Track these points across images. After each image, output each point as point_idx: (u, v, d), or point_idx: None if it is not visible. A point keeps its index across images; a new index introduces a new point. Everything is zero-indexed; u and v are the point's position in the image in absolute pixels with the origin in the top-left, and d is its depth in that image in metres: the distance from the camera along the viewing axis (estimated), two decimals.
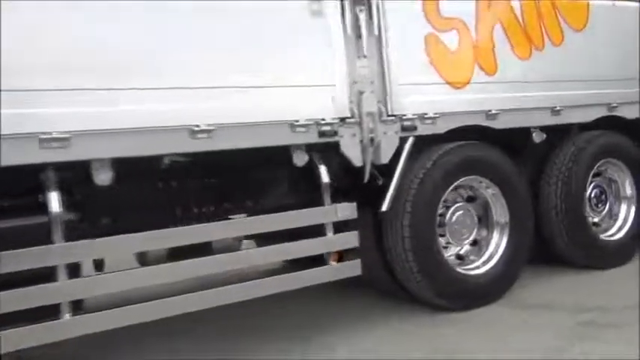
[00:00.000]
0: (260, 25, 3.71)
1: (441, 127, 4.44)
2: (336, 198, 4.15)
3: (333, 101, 3.94)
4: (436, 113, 4.38)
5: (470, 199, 4.84)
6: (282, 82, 3.75)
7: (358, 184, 4.27)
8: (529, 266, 5.17)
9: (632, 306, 4.22)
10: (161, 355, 4.11)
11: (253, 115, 3.66)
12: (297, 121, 3.80)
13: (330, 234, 3.98)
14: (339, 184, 4.25)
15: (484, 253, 4.80)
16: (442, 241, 4.67)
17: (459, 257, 4.80)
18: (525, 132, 5.04)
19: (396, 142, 4.23)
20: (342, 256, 4.08)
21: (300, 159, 3.94)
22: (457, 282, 4.50)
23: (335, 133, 3.96)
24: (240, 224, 3.83)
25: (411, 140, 4.31)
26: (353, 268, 4.04)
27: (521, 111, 4.85)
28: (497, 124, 4.72)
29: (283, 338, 4.20)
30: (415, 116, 4.30)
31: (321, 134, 3.91)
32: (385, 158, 4.19)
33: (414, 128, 4.31)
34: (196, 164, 3.80)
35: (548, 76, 5.00)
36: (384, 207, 4.21)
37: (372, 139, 4.10)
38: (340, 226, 4.08)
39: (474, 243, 4.84)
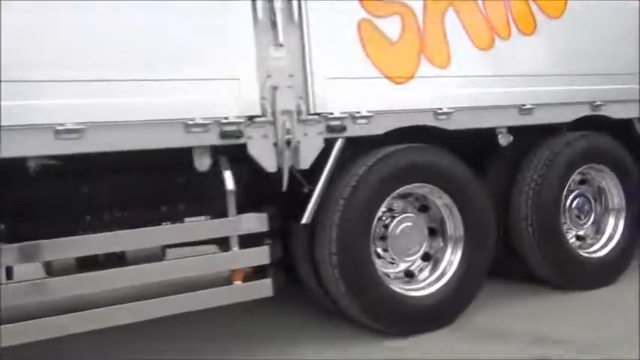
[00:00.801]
0: (146, 7, 3.20)
1: (378, 128, 3.88)
2: (260, 207, 3.71)
3: (238, 97, 3.43)
4: (370, 112, 3.82)
5: (423, 209, 4.28)
6: (173, 75, 3.25)
7: (285, 192, 3.78)
8: (497, 284, 4.64)
9: (604, 342, 3.61)
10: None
11: (136, 112, 3.17)
12: (192, 119, 3.31)
13: (235, 248, 3.49)
14: (258, 192, 3.79)
15: (437, 269, 4.24)
16: (387, 256, 4.15)
17: (409, 274, 4.25)
18: (491, 134, 4.44)
19: (319, 145, 3.70)
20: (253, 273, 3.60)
21: (201, 163, 3.44)
22: (396, 304, 3.94)
23: (241, 134, 3.45)
24: (120, 237, 3.32)
25: (339, 143, 3.77)
26: (261, 288, 3.54)
27: (480, 109, 4.24)
28: (450, 125, 4.12)
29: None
30: (344, 115, 3.74)
31: (224, 135, 3.40)
32: (305, 163, 3.66)
33: (343, 129, 3.75)
34: (82, 167, 3.35)
35: (515, 70, 4.36)
36: (304, 219, 3.69)
37: (288, 141, 3.57)
38: (255, 239, 3.63)
39: (427, 258, 4.28)
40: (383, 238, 4.11)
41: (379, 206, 3.90)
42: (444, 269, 4.20)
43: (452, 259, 4.20)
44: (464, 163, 4.19)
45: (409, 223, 4.14)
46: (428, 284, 4.15)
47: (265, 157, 3.53)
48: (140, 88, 3.17)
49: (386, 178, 3.87)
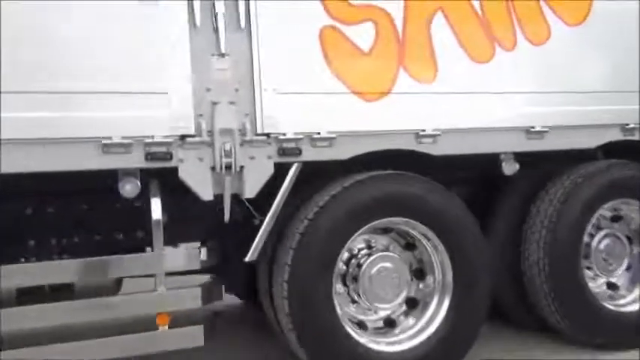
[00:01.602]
0: (55, 6, 2.81)
1: (343, 152, 3.32)
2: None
3: (168, 114, 2.97)
4: (333, 133, 3.27)
5: (409, 247, 3.67)
6: (90, 87, 2.84)
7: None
8: (511, 333, 4.09)
9: None
10: None
11: (40, 129, 2.77)
12: (109, 138, 2.87)
13: (160, 289, 3.00)
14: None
15: (422, 319, 3.60)
16: (362, 303, 3.55)
17: (390, 323, 3.63)
18: (494, 161, 3.78)
19: (268, 170, 3.18)
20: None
21: (127, 188, 3.00)
22: None
23: (170, 156, 2.99)
24: (15, 271, 2.89)
25: (294, 168, 3.24)
26: (191, 337, 3.01)
27: (475, 132, 3.60)
28: (437, 150, 3.50)
29: None
30: (299, 136, 3.21)
31: (150, 157, 2.95)
32: (251, 191, 3.14)
33: (298, 152, 3.22)
34: None
35: (521, 86, 3.70)
36: (249, 256, 3.18)
37: (229, 166, 3.07)
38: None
39: (413, 304, 3.64)
40: (356, 279, 3.54)
41: (344, 243, 3.33)
42: (430, 320, 3.56)
43: (438, 308, 3.56)
44: (454, 194, 3.55)
45: (387, 264, 3.54)
46: (408, 337, 3.53)
47: (199, 183, 3.05)
48: (46, 101, 2.77)
49: (354, 211, 3.30)
